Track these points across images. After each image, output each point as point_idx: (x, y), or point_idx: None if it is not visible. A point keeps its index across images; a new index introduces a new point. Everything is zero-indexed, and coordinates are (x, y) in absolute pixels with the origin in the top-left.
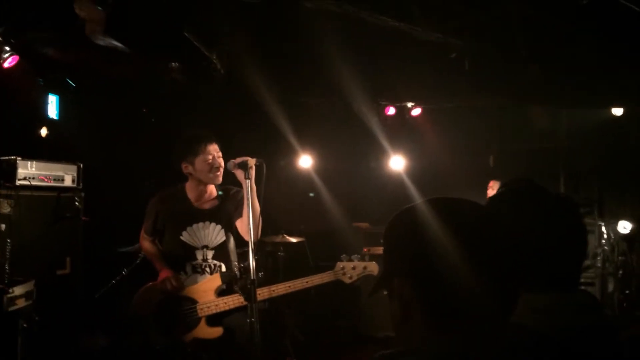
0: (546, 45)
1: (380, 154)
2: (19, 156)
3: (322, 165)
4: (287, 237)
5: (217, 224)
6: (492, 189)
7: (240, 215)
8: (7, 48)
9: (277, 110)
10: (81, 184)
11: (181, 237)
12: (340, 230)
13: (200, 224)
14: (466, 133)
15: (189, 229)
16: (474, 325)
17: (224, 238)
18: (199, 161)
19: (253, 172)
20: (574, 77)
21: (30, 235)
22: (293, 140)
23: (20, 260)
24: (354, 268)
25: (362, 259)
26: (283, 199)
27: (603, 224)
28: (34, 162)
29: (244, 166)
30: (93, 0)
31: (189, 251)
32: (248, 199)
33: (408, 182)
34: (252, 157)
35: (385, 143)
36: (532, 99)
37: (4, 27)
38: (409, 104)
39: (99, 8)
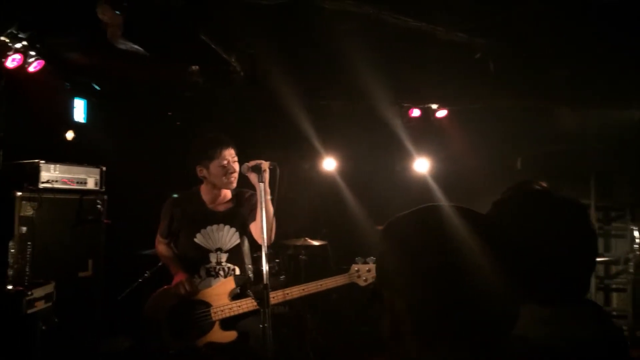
0: (574, 44)
1: (404, 157)
2: (44, 159)
3: (346, 168)
4: (309, 240)
5: (231, 226)
6: None
7: (254, 218)
8: (33, 53)
9: (301, 113)
10: (104, 187)
11: (195, 239)
12: (363, 233)
13: (215, 226)
14: (493, 135)
15: (203, 231)
16: (470, 341)
17: (238, 241)
18: (213, 166)
19: (267, 176)
20: (603, 77)
21: (53, 237)
22: (317, 143)
23: (42, 263)
24: (369, 270)
25: (365, 262)
26: (306, 202)
27: (635, 228)
28: (57, 165)
29: (257, 169)
30: (111, 4)
31: (203, 254)
32: (261, 202)
33: (433, 184)
34: (266, 161)
35: (409, 145)
36: (560, 100)
37: (30, 32)
38: (433, 106)
39: (117, 12)
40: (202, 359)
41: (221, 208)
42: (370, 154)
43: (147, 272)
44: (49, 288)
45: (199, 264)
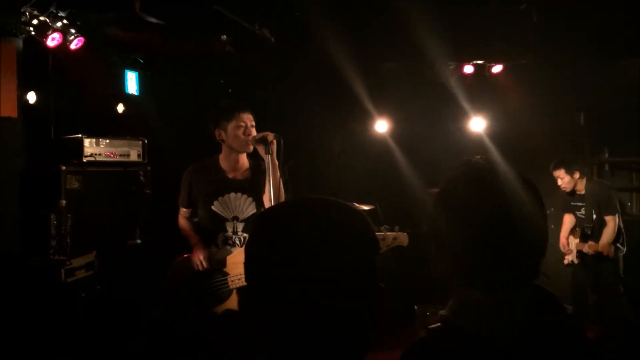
0: None
1: (459, 116)
2: (96, 133)
3: (399, 130)
4: (358, 205)
5: (248, 195)
6: (562, 179)
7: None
8: (73, 30)
9: (352, 75)
10: (146, 159)
11: (212, 207)
12: (416, 196)
13: (232, 195)
14: (552, 90)
15: (220, 199)
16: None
17: (254, 210)
18: (231, 127)
19: (274, 147)
20: None
21: (98, 208)
22: (369, 105)
23: (87, 233)
24: (383, 239)
25: (392, 229)
26: (358, 166)
27: None
28: (100, 139)
29: (264, 141)
30: None
31: (220, 222)
32: (269, 174)
33: (489, 144)
34: (270, 132)
35: (464, 103)
36: (618, 50)
37: (69, 10)
38: (481, 62)
39: None
40: (221, 327)
41: (239, 177)
42: (423, 114)
43: None
44: (89, 257)
45: (216, 232)
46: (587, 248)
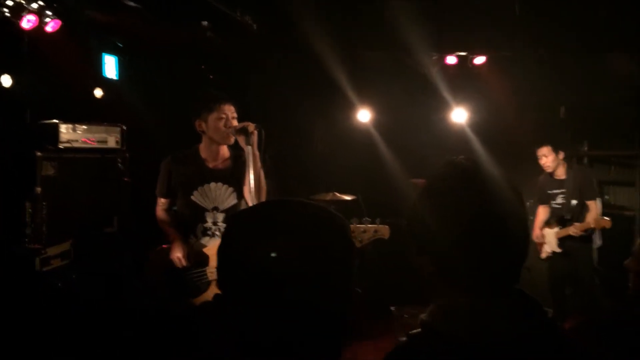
0: None
1: (441, 107)
2: (71, 119)
3: (381, 119)
4: (339, 195)
5: (229, 185)
6: (546, 157)
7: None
8: (49, 12)
9: (335, 64)
10: (125, 146)
11: (192, 197)
12: (397, 187)
13: (212, 184)
14: (534, 82)
15: (200, 188)
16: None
17: (235, 201)
18: (212, 118)
19: (255, 138)
20: None
21: (75, 196)
22: (351, 94)
23: (64, 221)
24: (364, 231)
25: (373, 222)
26: (339, 156)
27: None
28: (77, 124)
29: (244, 131)
30: None
31: (199, 213)
32: (249, 165)
33: (471, 135)
34: (252, 123)
35: (446, 94)
36: (603, 44)
37: None
38: (464, 53)
39: None
40: (198, 318)
41: (220, 166)
42: (406, 104)
43: None
44: (65, 246)
45: (195, 222)
46: (574, 229)
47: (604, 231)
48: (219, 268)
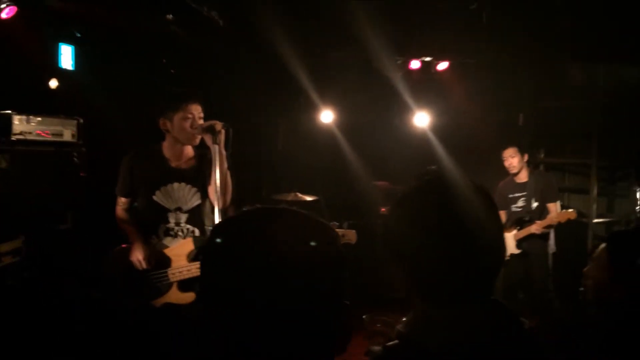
0: None
1: (404, 110)
2: (25, 110)
3: (344, 121)
4: (300, 195)
5: (192, 186)
6: (512, 158)
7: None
8: None
9: (299, 63)
10: (81, 140)
11: (154, 197)
12: (359, 189)
13: (175, 185)
14: (496, 89)
15: (162, 188)
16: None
17: (199, 201)
18: (177, 118)
19: (222, 137)
20: (611, 29)
21: (27, 191)
22: (314, 95)
23: (16, 217)
24: (343, 236)
25: (341, 226)
26: (302, 156)
27: (639, 189)
28: (31, 116)
29: (211, 130)
30: None
31: (162, 213)
32: (215, 164)
33: (433, 139)
34: (219, 121)
35: (409, 99)
36: (563, 54)
37: None
38: (429, 59)
39: None
40: (159, 320)
41: (183, 166)
42: (369, 106)
43: None
44: (16, 243)
45: (157, 223)
46: (537, 226)
47: (558, 237)
48: (202, 278)
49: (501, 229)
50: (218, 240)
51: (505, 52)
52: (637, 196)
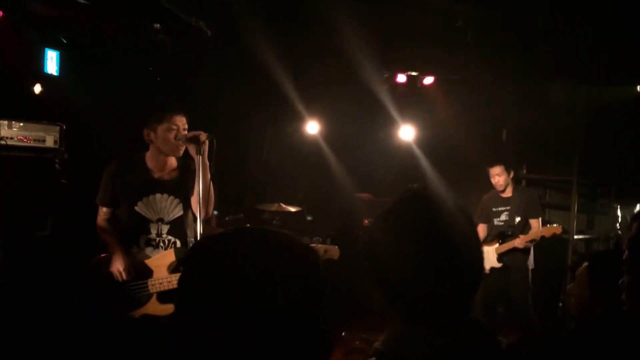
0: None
1: (389, 123)
2: (7, 115)
3: (329, 133)
4: (284, 206)
5: (175, 197)
6: (499, 176)
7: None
8: None
9: (285, 74)
10: (63, 146)
11: (136, 208)
12: (342, 200)
13: (158, 196)
14: (480, 104)
15: (145, 199)
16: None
17: (181, 212)
18: (162, 129)
19: (206, 148)
20: (594, 50)
21: (7, 196)
22: (300, 106)
23: None
24: (326, 251)
25: (324, 242)
26: (287, 166)
27: (619, 206)
28: (13, 121)
29: (195, 140)
30: None
31: (143, 224)
32: (198, 175)
33: (418, 152)
34: (204, 132)
35: (394, 112)
36: (546, 74)
37: None
38: (415, 73)
39: None
40: (138, 331)
41: (166, 177)
42: (355, 119)
43: None
44: None
45: (138, 233)
46: (520, 241)
47: (538, 253)
48: (180, 294)
49: (479, 247)
50: (193, 261)
51: (489, 70)
52: (617, 213)
